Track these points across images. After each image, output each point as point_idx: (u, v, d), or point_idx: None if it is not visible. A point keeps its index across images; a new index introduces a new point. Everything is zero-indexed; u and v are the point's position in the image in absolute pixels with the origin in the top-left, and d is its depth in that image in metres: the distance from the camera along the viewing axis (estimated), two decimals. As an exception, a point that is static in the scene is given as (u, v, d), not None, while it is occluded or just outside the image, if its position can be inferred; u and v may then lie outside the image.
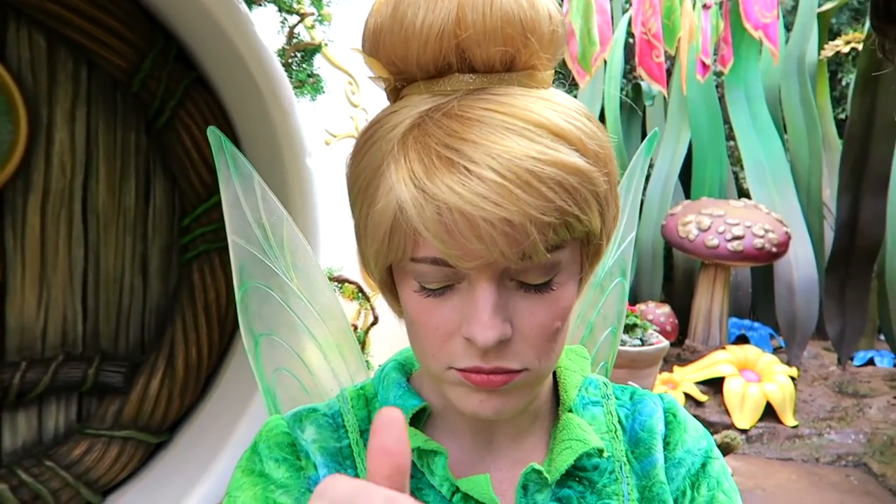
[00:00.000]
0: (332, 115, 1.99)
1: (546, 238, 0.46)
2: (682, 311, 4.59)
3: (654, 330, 2.69)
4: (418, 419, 0.59)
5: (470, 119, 0.46)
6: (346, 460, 0.59)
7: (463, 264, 0.47)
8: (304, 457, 0.59)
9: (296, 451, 0.59)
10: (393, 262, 0.52)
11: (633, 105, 5.16)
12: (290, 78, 1.81)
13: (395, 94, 0.55)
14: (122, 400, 1.72)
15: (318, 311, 0.92)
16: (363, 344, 2.12)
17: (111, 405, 1.72)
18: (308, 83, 1.85)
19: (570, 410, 0.60)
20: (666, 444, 0.61)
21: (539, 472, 0.55)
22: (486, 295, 0.48)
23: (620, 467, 0.59)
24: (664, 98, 5.09)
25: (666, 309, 4.42)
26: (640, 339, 2.54)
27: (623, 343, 2.50)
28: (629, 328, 2.54)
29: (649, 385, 2.69)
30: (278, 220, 0.93)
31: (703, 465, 0.61)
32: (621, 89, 4.74)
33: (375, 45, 0.52)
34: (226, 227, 0.89)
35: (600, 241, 0.54)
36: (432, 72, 0.51)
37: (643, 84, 4.97)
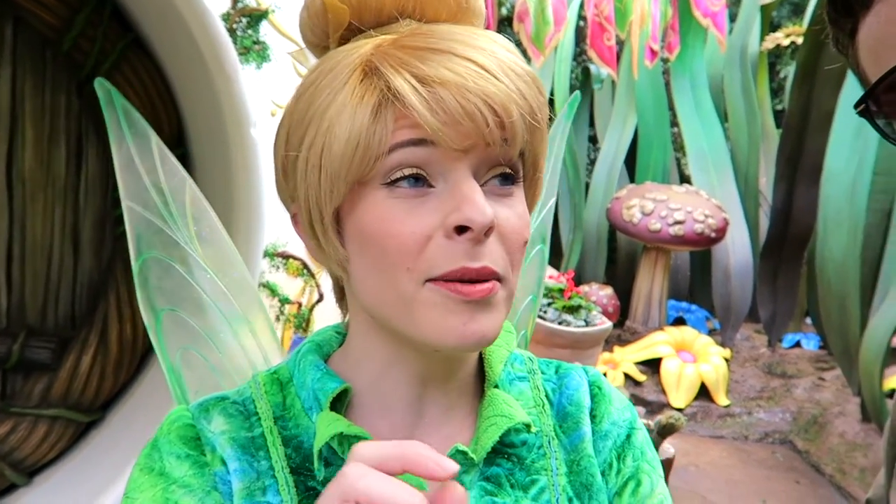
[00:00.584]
0: (278, 85, 1.92)
1: (520, 123, 0.49)
2: (624, 293, 4.69)
3: (598, 311, 2.73)
4: (339, 402, 0.55)
5: (439, 29, 0.50)
6: (259, 450, 0.54)
7: (454, 144, 0.47)
8: (209, 451, 0.54)
9: (200, 445, 0.54)
10: (358, 177, 0.49)
11: (583, 88, 5.20)
12: (235, 44, 1.74)
13: (335, 46, 0.55)
14: (50, 377, 1.64)
15: (226, 284, 0.85)
16: (307, 321, 2.08)
17: (38, 383, 1.64)
18: (254, 50, 1.77)
19: (496, 386, 0.58)
20: (592, 416, 0.61)
21: (465, 454, 0.53)
22: (471, 182, 0.49)
23: (549, 442, 0.58)
24: (612, 82, 5.14)
25: (609, 290, 4.50)
26: (585, 320, 2.57)
27: (568, 323, 2.53)
28: (574, 309, 2.57)
29: (592, 364, 2.74)
30: (179, 185, 0.85)
31: (628, 437, 0.62)
32: (571, 71, 4.76)
33: None
34: (119, 191, 0.81)
35: (537, 176, 0.56)
36: (384, 20, 0.54)
37: (592, 67, 5.01)
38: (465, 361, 0.57)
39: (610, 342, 4.27)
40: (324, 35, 0.56)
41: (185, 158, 1.78)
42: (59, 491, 1.61)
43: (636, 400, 3.93)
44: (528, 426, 0.55)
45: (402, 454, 0.34)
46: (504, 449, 0.57)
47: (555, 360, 0.66)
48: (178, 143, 1.76)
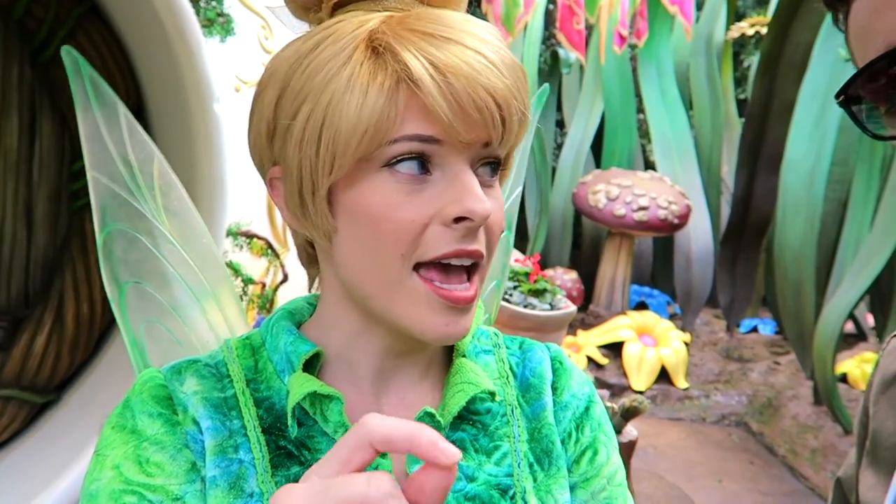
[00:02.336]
0: (243, 60, 1.87)
1: (516, 121, 0.51)
2: (588, 278, 4.74)
3: (563, 295, 2.75)
4: (312, 366, 0.57)
5: (443, 15, 0.50)
6: (231, 410, 0.56)
7: (461, 137, 0.49)
8: (181, 411, 0.55)
9: (172, 404, 0.55)
10: (362, 156, 0.49)
11: (551, 71, 5.20)
12: (198, 15, 1.69)
13: (328, 14, 0.55)
14: (2, 357, 1.59)
15: (192, 258, 0.84)
16: (271, 302, 2.05)
17: (-11, 362, 1.59)
18: (218, 23, 1.72)
19: (464, 356, 0.61)
20: (554, 389, 0.64)
21: (432, 416, 0.55)
22: (471, 174, 0.50)
23: (512, 410, 0.61)
24: (580, 67, 5.15)
25: (573, 275, 4.54)
26: (550, 304, 2.59)
27: (533, 307, 2.55)
28: (539, 293, 2.59)
29: (555, 348, 2.78)
30: (147, 157, 0.83)
31: (587, 409, 0.64)
32: (539, 55, 4.76)
33: None
34: (84, 161, 0.79)
35: (509, 164, 0.57)
36: None
37: (561, 51, 5.01)
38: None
39: (574, 326, 4.32)
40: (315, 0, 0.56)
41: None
42: (13, 474, 1.57)
43: (599, 383, 4.00)
44: (492, 394, 0.58)
45: (410, 435, 0.35)
46: (469, 416, 0.59)
47: (519, 336, 0.68)
48: (138, 118, 1.70)
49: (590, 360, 4.12)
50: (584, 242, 5.30)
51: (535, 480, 0.60)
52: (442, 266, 0.51)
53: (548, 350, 0.66)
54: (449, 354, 0.62)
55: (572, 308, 2.66)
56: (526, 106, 0.51)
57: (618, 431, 1.42)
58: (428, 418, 0.55)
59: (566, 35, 3.39)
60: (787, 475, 3.45)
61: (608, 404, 1.35)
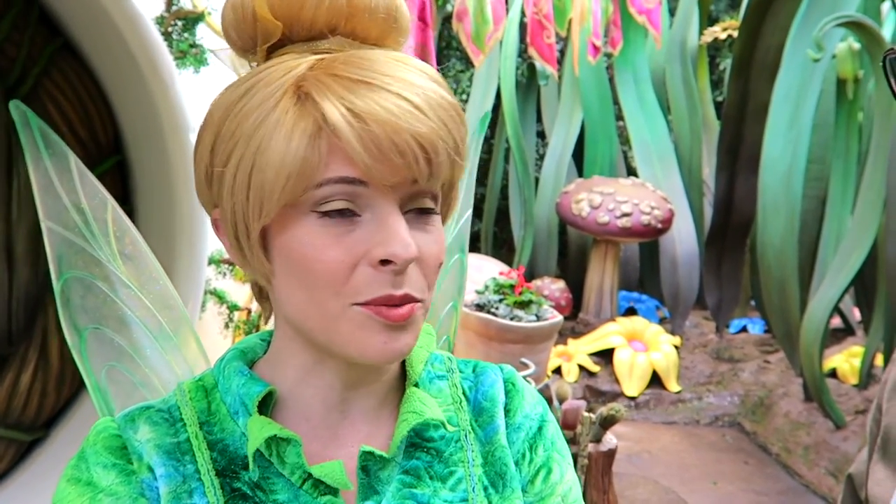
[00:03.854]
0: (217, 89, 1.89)
1: (446, 160, 0.51)
2: (576, 286, 4.76)
3: (549, 305, 2.77)
4: (265, 406, 0.57)
5: (370, 59, 0.51)
6: (184, 455, 0.56)
7: (385, 180, 0.50)
8: (136, 459, 0.56)
9: (127, 454, 0.56)
10: (289, 201, 0.50)
11: (528, 84, 5.25)
12: (171, 48, 1.71)
13: (263, 58, 0.56)
14: (-14, 396, 1.59)
15: (150, 300, 0.85)
16: (257, 327, 2.05)
17: (-26, 403, 1.58)
18: (191, 54, 1.75)
19: (417, 385, 0.62)
20: (507, 411, 0.65)
21: (371, 453, 0.56)
22: (397, 217, 0.52)
23: (465, 436, 0.62)
24: (559, 78, 5.21)
25: (561, 284, 4.56)
26: (536, 315, 2.61)
27: (519, 319, 2.56)
28: (525, 304, 2.60)
29: (545, 359, 2.77)
30: (100, 204, 0.85)
31: (540, 429, 0.66)
32: (517, 68, 4.80)
33: (265, 3, 0.53)
34: (38, 211, 0.81)
35: (452, 195, 0.59)
36: (314, 35, 0.55)
37: (538, 64, 5.06)
38: (388, 367, 0.61)
39: (564, 335, 4.33)
40: (250, 41, 0.57)
41: (122, 165, 1.74)
42: (1, 513, 1.56)
43: (591, 391, 4.01)
44: (442, 422, 0.59)
45: None
46: (423, 443, 0.60)
47: (473, 359, 0.70)
48: (116, 150, 1.71)
49: (581, 368, 4.14)
50: (571, 251, 5.32)
51: (489, 503, 0.60)
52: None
53: (501, 372, 0.67)
54: (403, 383, 0.62)
55: (559, 318, 2.67)
56: (457, 143, 0.52)
57: (597, 440, 1.43)
58: (369, 455, 0.56)
59: (537, 49, 3.43)
60: (782, 473, 3.47)
61: (585, 414, 1.36)
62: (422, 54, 2.38)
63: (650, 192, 4.43)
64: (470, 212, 0.96)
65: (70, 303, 0.81)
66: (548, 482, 0.64)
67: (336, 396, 0.58)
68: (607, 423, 1.39)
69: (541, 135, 5.68)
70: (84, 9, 1.45)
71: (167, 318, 0.87)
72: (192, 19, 1.77)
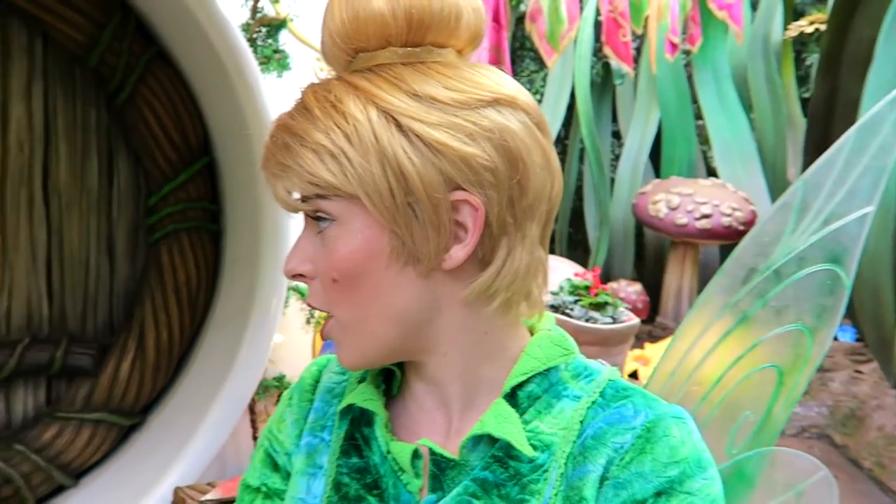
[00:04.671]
0: (299, 93, 1.96)
1: (291, 188, 0.56)
2: (654, 289, 4.65)
3: (625, 307, 2.72)
4: (394, 379, 0.64)
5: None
6: (334, 398, 0.66)
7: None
8: (316, 391, 0.69)
9: (314, 386, 0.69)
10: None
11: (604, 84, 5.18)
12: (255, 53, 1.78)
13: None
14: (91, 382, 1.70)
15: None
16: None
17: (81, 388, 1.70)
18: (274, 59, 1.82)
19: (512, 394, 0.58)
20: (621, 459, 0.55)
21: (431, 448, 0.58)
22: (300, 236, 0.59)
23: (556, 469, 0.56)
24: (634, 77, 5.11)
25: (637, 287, 4.46)
26: (612, 317, 2.57)
27: (594, 321, 2.53)
28: (600, 306, 2.57)
29: (620, 362, 2.73)
30: None
31: (659, 495, 0.54)
32: (591, 68, 4.75)
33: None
34: None
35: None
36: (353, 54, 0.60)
37: (613, 63, 4.99)
38: (430, 366, 0.60)
39: (641, 338, 4.24)
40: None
41: (212, 166, 1.83)
42: (104, 492, 1.67)
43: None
44: (509, 444, 0.56)
45: None
46: (507, 460, 0.57)
47: (641, 389, 0.61)
48: (205, 152, 1.81)
49: (658, 372, 4.04)
50: (648, 253, 5.21)
51: None
52: None
53: (648, 413, 0.56)
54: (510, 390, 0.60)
55: (635, 321, 2.62)
56: (291, 163, 0.55)
57: None
58: (431, 450, 0.58)
59: (613, 48, 3.38)
60: (875, 490, 3.28)
61: None
62: (496, 55, 2.39)
63: (731, 193, 4.28)
64: (868, 210, 0.79)
65: None
66: None
67: (424, 386, 0.62)
68: None
69: (616, 135, 5.58)
70: (177, 19, 1.54)
71: None
72: (275, 26, 1.85)
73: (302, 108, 0.56)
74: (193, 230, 1.78)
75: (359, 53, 0.57)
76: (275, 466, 0.68)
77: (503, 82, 0.57)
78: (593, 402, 0.58)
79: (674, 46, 3.89)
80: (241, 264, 1.77)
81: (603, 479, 0.55)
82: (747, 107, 4.88)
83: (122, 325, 1.79)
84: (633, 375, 4.05)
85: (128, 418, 1.76)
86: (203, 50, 1.54)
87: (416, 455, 0.59)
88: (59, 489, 1.70)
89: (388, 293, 0.56)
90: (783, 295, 0.80)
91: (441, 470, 0.58)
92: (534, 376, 0.59)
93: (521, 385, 0.58)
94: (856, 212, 0.77)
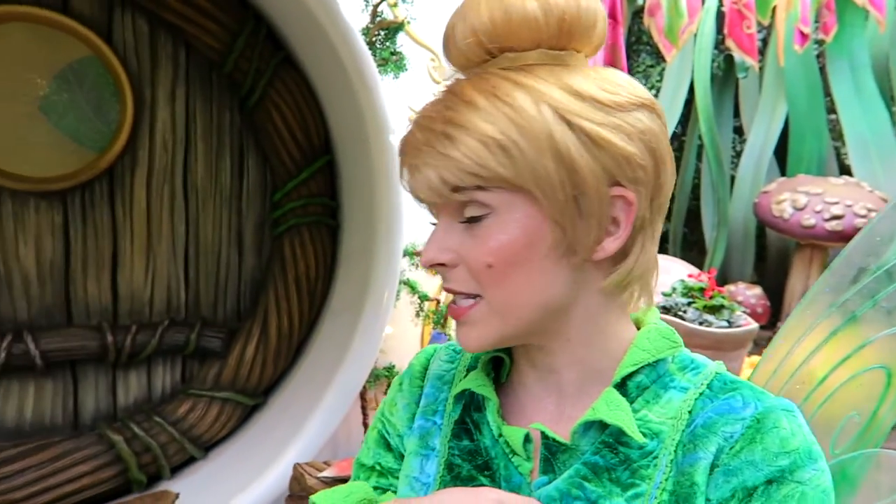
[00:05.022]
0: (415, 93, 2.02)
1: (450, 178, 0.57)
2: (775, 293, 4.39)
3: (743, 311, 2.60)
4: (502, 367, 0.68)
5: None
6: (444, 385, 0.71)
7: (417, 200, 0.62)
8: (426, 377, 0.74)
9: (424, 373, 0.74)
10: None
11: (725, 77, 4.94)
12: (374, 56, 1.86)
13: None
14: (221, 364, 1.84)
15: None
16: (445, 318, 2.16)
17: (211, 368, 1.84)
18: (391, 61, 1.89)
19: (622, 383, 0.61)
20: (730, 448, 0.57)
21: (543, 432, 0.62)
22: (438, 226, 0.62)
23: (665, 455, 0.58)
24: (760, 69, 4.84)
25: (757, 290, 4.24)
26: (728, 321, 2.47)
27: (709, 324, 2.44)
28: (716, 309, 2.47)
29: (736, 368, 2.62)
30: None
31: (770, 483, 0.55)
32: (712, 61, 4.54)
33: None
34: None
35: (558, 198, 0.57)
36: (478, 58, 0.64)
37: (736, 56, 4.74)
38: (549, 352, 0.63)
39: (760, 345, 4.02)
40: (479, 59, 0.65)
41: (332, 164, 1.93)
42: (231, 465, 1.80)
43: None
44: (621, 430, 0.58)
45: None
46: (617, 445, 0.59)
47: (748, 382, 0.62)
48: (326, 150, 1.90)
49: (779, 381, 3.82)
50: (770, 255, 4.93)
51: None
52: None
53: (756, 404, 0.58)
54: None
55: (754, 325, 2.50)
56: (462, 159, 0.56)
57: None
58: (543, 434, 0.62)
59: (736, 40, 3.22)
60: None
61: None
62: (612, 53, 2.35)
63: (867, 193, 3.97)
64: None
65: None
66: None
67: (536, 373, 0.66)
68: None
69: (738, 130, 5.32)
70: (304, 25, 1.63)
71: None
72: (393, 29, 1.91)
73: (462, 100, 0.56)
74: (314, 224, 1.88)
75: (504, 53, 0.59)
76: (388, 447, 0.73)
77: (640, 86, 0.60)
78: (701, 394, 0.60)
79: (804, 36, 3.66)
80: (357, 258, 1.86)
81: (713, 466, 0.57)
82: (888, 100, 4.50)
83: (248, 311, 1.92)
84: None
85: (251, 398, 1.89)
86: (327, 54, 1.62)
87: (526, 439, 0.63)
88: (191, 460, 1.85)
89: (540, 280, 0.58)
90: (894, 296, 0.80)
91: (552, 453, 0.62)
92: (643, 367, 0.61)
93: (630, 375, 0.61)
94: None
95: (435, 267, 0.61)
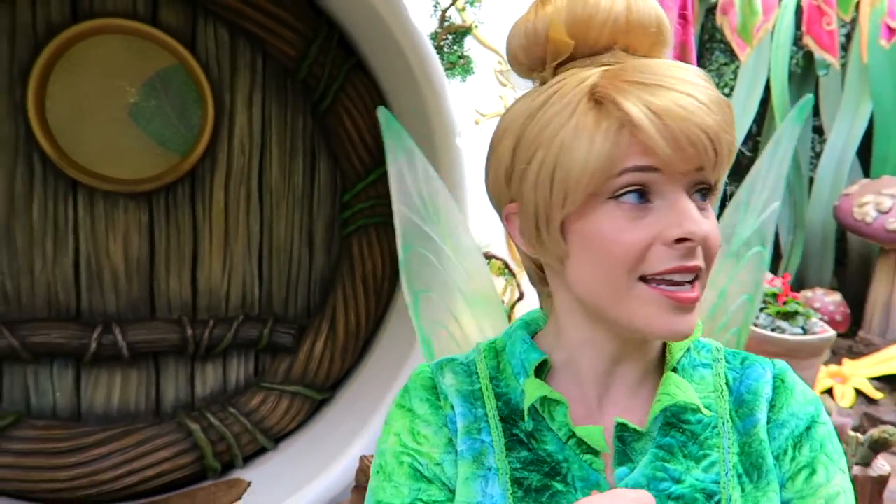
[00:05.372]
0: (481, 95, 2.04)
1: (727, 152, 0.57)
2: (856, 300, 4.20)
3: (819, 318, 2.51)
4: (541, 370, 0.67)
5: (653, 65, 0.58)
6: (476, 401, 0.68)
7: (679, 167, 0.56)
8: (442, 398, 0.69)
9: (436, 393, 0.70)
10: (592, 191, 0.58)
11: (805, 74, 4.75)
12: (442, 60, 1.89)
13: (551, 74, 0.64)
14: (291, 358, 1.92)
15: (467, 272, 1.00)
16: (509, 318, 2.18)
17: (282, 363, 1.92)
18: (459, 64, 1.91)
19: (675, 370, 0.67)
20: (771, 406, 0.66)
21: (625, 425, 0.63)
22: (687, 200, 0.58)
23: (723, 424, 0.65)
24: (842, 66, 4.64)
25: (836, 297, 4.06)
26: (802, 328, 2.38)
27: (782, 331, 2.37)
28: (790, 315, 2.39)
29: (811, 377, 2.52)
30: (435, 191, 1.02)
31: (808, 428, 0.66)
32: (791, 58, 4.38)
33: (560, 28, 0.62)
34: (391, 196, 1.00)
35: (717, 187, 0.62)
36: (597, 50, 0.62)
37: (815, 53, 4.55)
38: (649, 346, 0.66)
39: (839, 354, 3.86)
40: (538, 61, 0.65)
41: (399, 167, 1.97)
42: (300, 456, 1.87)
43: (870, 419, 3.51)
44: (698, 407, 0.64)
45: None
46: (680, 424, 0.65)
47: (744, 351, 0.71)
48: (394, 154, 1.95)
49: (859, 393, 3.66)
50: (851, 261, 4.71)
51: (742, 490, 0.63)
52: (666, 279, 0.58)
53: (772, 367, 0.68)
54: (663, 367, 0.68)
55: (830, 333, 2.41)
56: (733, 137, 0.58)
57: (866, 464, 1.28)
58: (622, 427, 0.64)
59: (815, 38, 3.10)
60: None
61: (851, 433, 1.22)
62: (681, 53, 2.31)
63: (959, 195, 3.75)
64: (776, 204, 0.95)
65: (410, 270, 1.00)
66: (810, 483, 0.64)
67: (603, 369, 0.66)
68: (878, 446, 1.24)
69: (818, 130, 5.11)
70: (374, 31, 1.68)
71: (479, 286, 1.03)
72: (461, 33, 1.94)
73: (701, 87, 0.57)
74: (381, 225, 1.93)
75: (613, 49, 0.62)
76: (426, 479, 0.67)
77: None
78: (726, 367, 0.68)
79: (891, 31, 3.49)
80: (422, 258, 1.89)
81: (767, 422, 0.66)
82: None
83: (318, 308, 1.99)
84: (829, 393, 3.70)
85: (319, 392, 1.95)
86: (396, 59, 1.67)
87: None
88: (262, 450, 1.93)
89: None
90: (741, 273, 0.92)
91: (625, 444, 0.64)
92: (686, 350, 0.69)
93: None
94: (770, 205, 0.92)
95: (685, 242, 0.57)
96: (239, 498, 1.76)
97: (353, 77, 1.86)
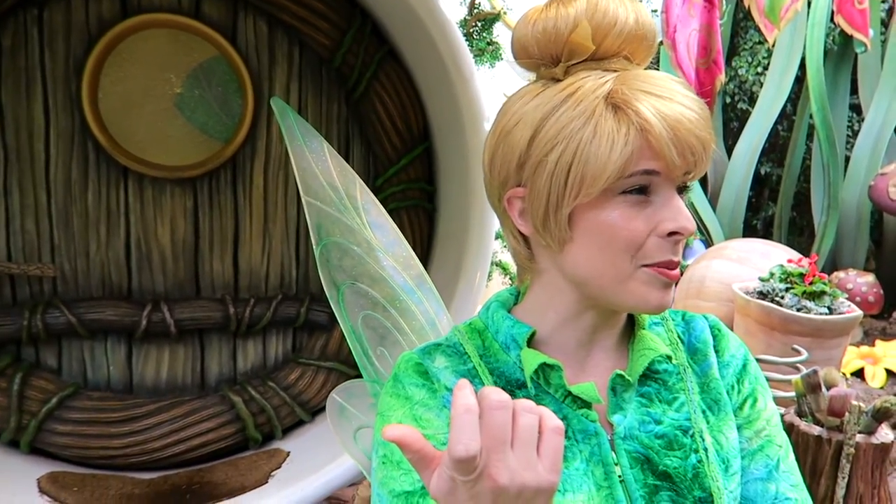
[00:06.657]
0: (509, 81, 2.09)
1: (707, 159, 0.67)
2: (891, 282, 4.16)
3: (845, 298, 2.51)
4: (528, 343, 0.73)
5: (655, 77, 0.66)
6: (473, 379, 0.73)
7: (677, 171, 0.66)
8: (436, 381, 0.72)
9: (429, 377, 0.72)
10: (607, 188, 0.65)
11: (842, 52, 4.66)
12: (471, 47, 1.94)
13: (563, 72, 0.69)
14: (327, 336, 2.01)
15: (395, 262, 1.02)
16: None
17: (318, 340, 2.01)
18: (487, 51, 1.96)
19: (644, 329, 0.77)
20: (716, 350, 0.80)
21: (622, 376, 0.73)
22: (678, 199, 0.68)
23: (684, 370, 0.78)
24: (881, 43, 4.54)
25: (869, 278, 4.02)
26: (828, 307, 2.40)
27: (808, 310, 2.38)
28: (816, 295, 2.41)
29: (837, 357, 2.54)
30: (350, 182, 1.02)
31: (744, 366, 0.80)
32: (827, 35, 4.29)
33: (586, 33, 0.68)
34: (299, 189, 0.99)
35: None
36: (606, 55, 0.69)
37: (848, 31, 4.46)
38: (621, 316, 0.76)
39: (871, 335, 3.84)
40: (549, 57, 0.70)
41: (430, 151, 2.03)
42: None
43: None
44: (668, 357, 0.75)
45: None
46: (652, 374, 0.76)
47: (680, 309, 0.84)
48: (424, 138, 2.01)
49: (890, 373, 3.64)
50: (886, 242, 4.65)
51: (707, 423, 0.76)
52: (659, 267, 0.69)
53: (706, 320, 0.82)
54: (631, 328, 0.77)
55: (857, 313, 2.42)
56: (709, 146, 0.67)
57: (868, 432, 1.32)
58: (619, 378, 0.72)
59: (846, 17, 3.06)
60: None
61: (855, 403, 1.26)
62: (706, 35, 2.32)
63: None
64: None
65: (329, 263, 0.99)
66: (754, 408, 0.79)
67: (587, 337, 0.75)
68: (880, 415, 1.27)
69: (856, 108, 5.02)
70: (406, 20, 1.74)
71: (410, 275, 1.05)
72: (490, 19, 1.99)
73: (693, 99, 0.66)
74: (412, 208, 2.00)
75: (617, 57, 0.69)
76: None
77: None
78: (674, 323, 0.81)
79: (931, 7, 3.41)
80: (451, 240, 1.96)
81: (717, 363, 0.79)
82: None
83: (351, 289, 2.07)
84: (859, 374, 3.69)
85: (353, 369, 2.04)
86: (427, 48, 1.72)
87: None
88: (300, 423, 2.03)
89: None
90: None
91: (616, 395, 0.74)
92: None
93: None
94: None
95: (675, 236, 0.67)
96: (279, 466, 1.87)
97: (385, 65, 1.92)
